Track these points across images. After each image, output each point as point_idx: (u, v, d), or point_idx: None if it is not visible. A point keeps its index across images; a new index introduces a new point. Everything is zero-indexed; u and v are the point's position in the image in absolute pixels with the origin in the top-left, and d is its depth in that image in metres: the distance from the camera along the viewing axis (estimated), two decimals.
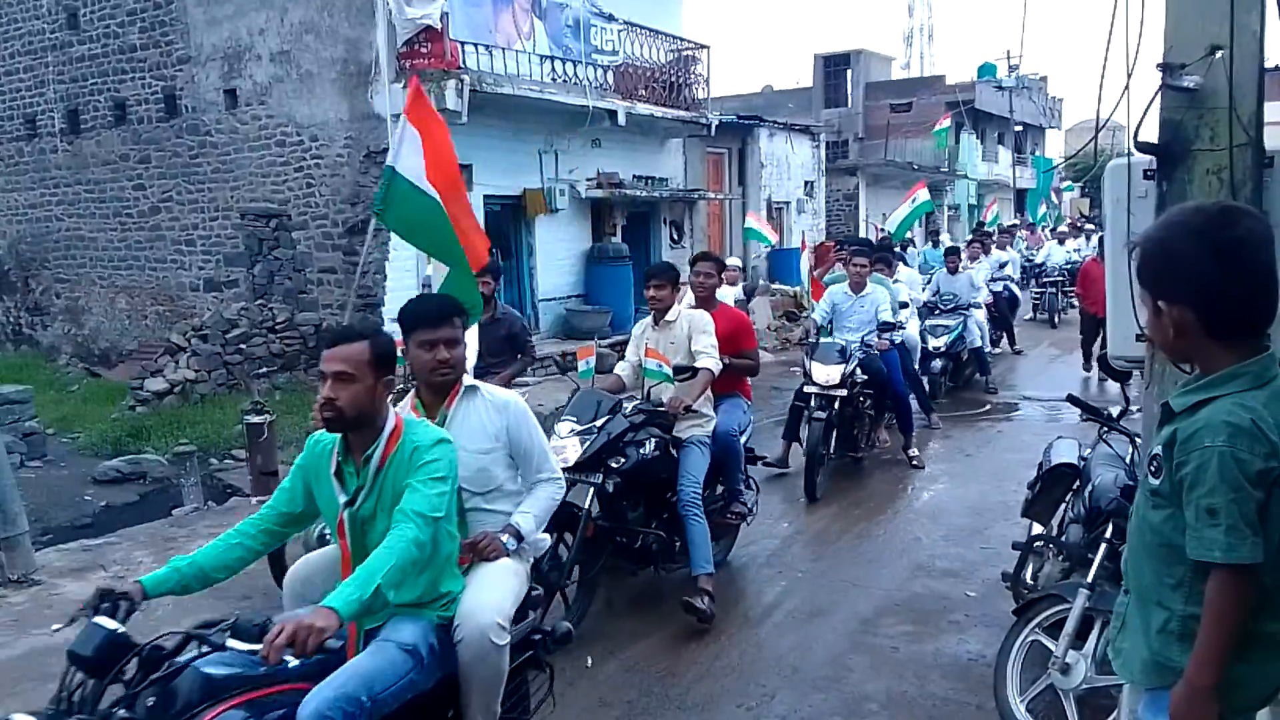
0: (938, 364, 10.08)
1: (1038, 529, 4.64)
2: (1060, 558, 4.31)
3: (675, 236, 16.33)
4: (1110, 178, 3.50)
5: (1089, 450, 4.49)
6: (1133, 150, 3.26)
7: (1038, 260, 17.73)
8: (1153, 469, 1.97)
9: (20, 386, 8.94)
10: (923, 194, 16.68)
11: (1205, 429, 1.84)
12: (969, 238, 13.44)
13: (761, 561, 5.84)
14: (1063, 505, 4.52)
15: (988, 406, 10.18)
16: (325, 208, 11.62)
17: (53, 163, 14.46)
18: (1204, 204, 2.11)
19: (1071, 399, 4.56)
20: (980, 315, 10.82)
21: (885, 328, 7.69)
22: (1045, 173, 24.97)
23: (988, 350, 11.18)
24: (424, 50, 10.84)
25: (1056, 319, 16.40)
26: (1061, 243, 18.59)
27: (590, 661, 4.38)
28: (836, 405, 6.98)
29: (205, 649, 2.18)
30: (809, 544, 6.14)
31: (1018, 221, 25.49)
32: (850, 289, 7.89)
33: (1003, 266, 13.63)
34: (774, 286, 17.72)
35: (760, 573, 5.65)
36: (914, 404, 8.46)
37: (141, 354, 12.79)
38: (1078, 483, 4.38)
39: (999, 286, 12.92)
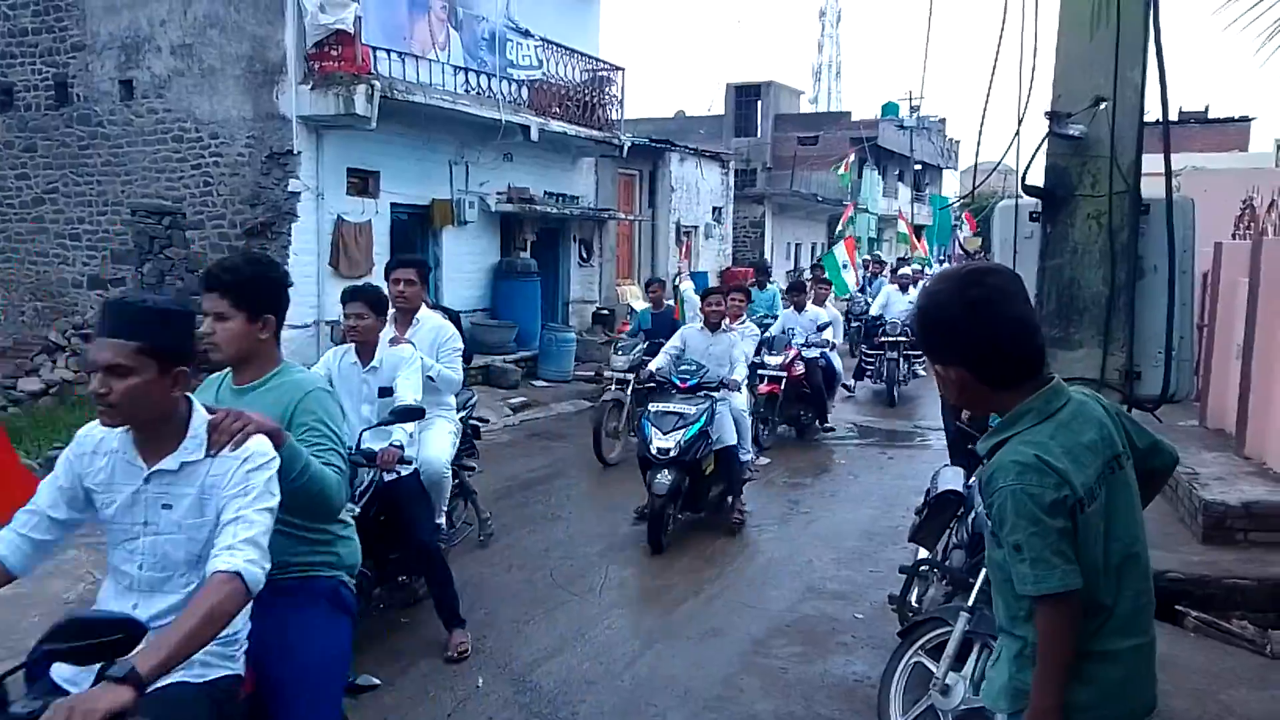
0: (667, 479, 6.19)
1: (923, 553, 4.78)
2: (944, 582, 4.45)
3: (584, 255, 16.36)
4: (999, 218, 3.66)
5: (973, 479, 4.66)
6: (1021, 193, 3.43)
7: (873, 312, 13.64)
8: (986, 511, 2.05)
9: None
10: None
11: (998, 471, 1.95)
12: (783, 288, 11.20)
13: (660, 582, 5.86)
14: (948, 531, 4.68)
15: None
16: (223, 208, 11.24)
17: None
18: (952, 269, 2.25)
19: (959, 428, 4.73)
20: (739, 400, 7.10)
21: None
22: (942, 209, 25.96)
23: (749, 457, 7.29)
24: (334, 53, 10.62)
25: (896, 393, 12.28)
26: (904, 290, 13.52)
27: (481, 682, 4.32)
28: None
29: None
30: (703, 566, 6.19)
31: (904, 256, 26.03)
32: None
33: (822, 329, 10.25)
34: None
35: (659, 593, 5.67)
36: None
37: (16, 351, 12.08)
38: (962, 509, 4.53)
39: (814, 353, 10.03)
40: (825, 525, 7.12)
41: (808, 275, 16.16)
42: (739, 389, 7.00)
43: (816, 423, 10.34)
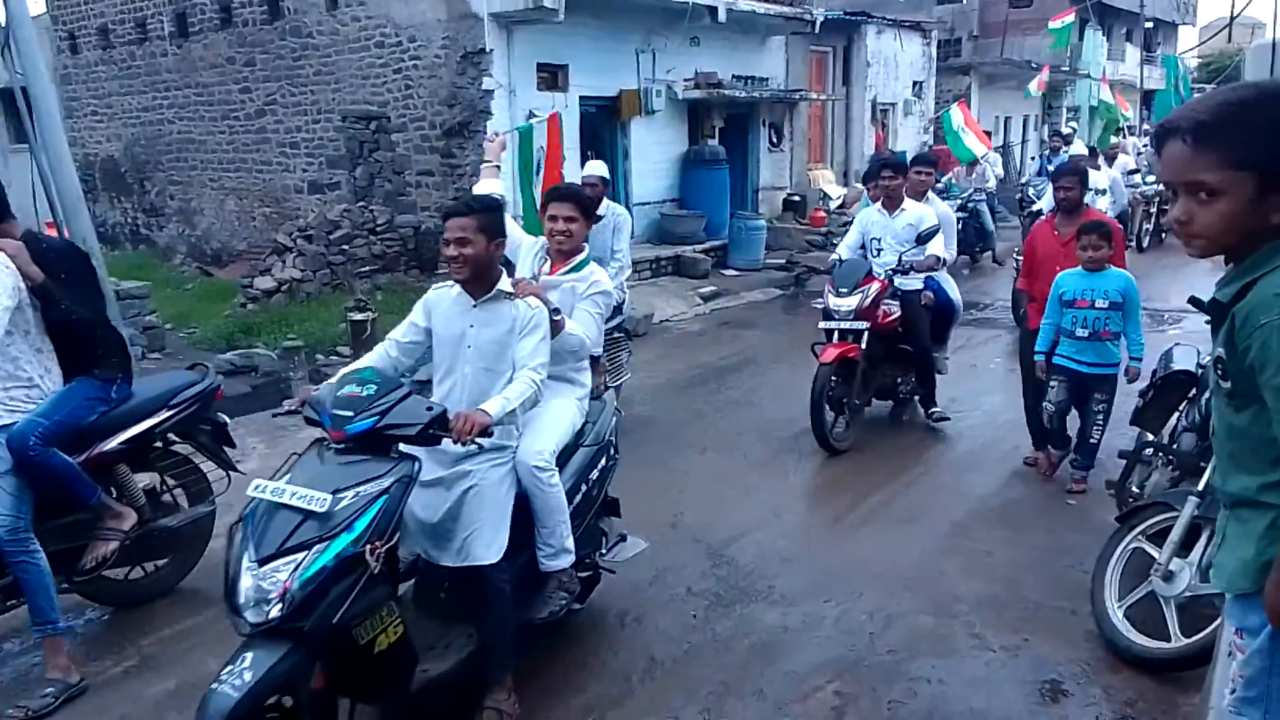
0: (232, 692, 2.52)
1: (1147, 437, 4.46)
2: (1170, 467, 4.15)
3: (774, 139, 15.88)
4: (1252, 60, 3.25)
5: (1208, 357, 4.26)
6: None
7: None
8: (1219, 373, 1.83)
9: (140, 283, 9.33)
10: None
11: (1258, 307, 1.71)
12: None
13: (856, 465, 5.78)
14: (1176, 413, 4.33)
15: None
16: (423, 110, 11.66)
17: (163, 66, 14.84)
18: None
19: (1193, 300, 4.29)
20: (541, 458, 3.34)
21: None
22: (1181, 53, 22.79)
23: (564, 562, 3.44)
24: None
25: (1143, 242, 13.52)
26: (1111, 162, 13.10)
27: (680, 556, 4.44)
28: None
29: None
30: (906, 450, 6.04)
31: (1133, 125, 22.97)
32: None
33: (924, 240, 6.01)
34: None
35: (855, 476, 5.60)
36: None
37: (251, 254, 13.23)
38: (1194, 391, 4.17)
39: (915, 282, 6.21)
40: None
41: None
42: (488, 429, 2.97)
43: (919, 402, 6.55)
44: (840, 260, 6.26)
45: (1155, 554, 3.55)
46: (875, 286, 5.96)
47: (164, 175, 15.60)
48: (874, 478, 5.53)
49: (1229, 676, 2.02)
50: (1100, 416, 5.00)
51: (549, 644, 3.69)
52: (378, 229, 11.86)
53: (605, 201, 6.28)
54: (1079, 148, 14.53)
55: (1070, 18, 22.47)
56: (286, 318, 10.28)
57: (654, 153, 13.45)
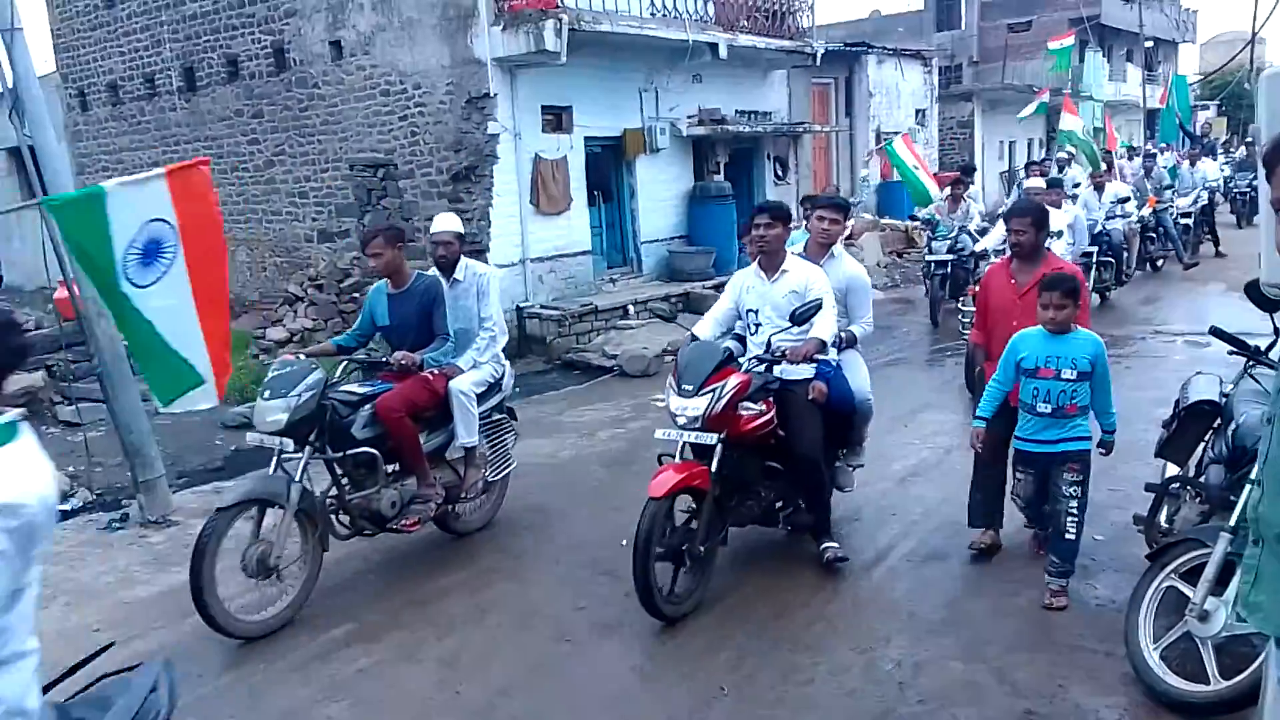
0: None
1: (1173, 470, 4.38)
2: (1198, 500, 4.06)
3: (779, 173, 15.92)
4: (1266, 87, 3.20)
5: (1231, 386, 4.19)
6: None
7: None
8: None
9: None
10: None
11: None
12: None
13: (875, 503, 5.70)
14: (1202, 445, 4.25)
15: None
16: (430, 155, 11.73)
17: (172, 120, 15.01)
18: None
19: (1215, 331, 4.23)
20: None
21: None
22: (1179, 76, 22.87)
23: None
24: None
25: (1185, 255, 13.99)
26: (1100, 190, 12.16)
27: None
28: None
29: None
30: (924, 485, 5.96)
31: (1135, 147, 23.09)
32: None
33: (801, 319, 4.40)
34: (883, 221, 17.18)
35: (874, 515, 5.51)
36: None
37: (263, 304, 13.28)
38: (1218, 421, 4.09)
39: (803, 372, 4.59)
40: None
41: (857, 198, 12.75)
42: None
43: (809, 535, 4.87)
44: (692, 338, 4.75)
45: (1189, 592, 3.46)
46: (733, 382, 4.22)
47: None
48: (892, 516, 5.44)
49: None
50: (1074, 505, 4.17)
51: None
52: None
53: (464, 261, 5.43)
54: (1078, 173, 14.41)
55: (1070, 40, 22.57)
56: None
57: (660, 190, 13.50)
